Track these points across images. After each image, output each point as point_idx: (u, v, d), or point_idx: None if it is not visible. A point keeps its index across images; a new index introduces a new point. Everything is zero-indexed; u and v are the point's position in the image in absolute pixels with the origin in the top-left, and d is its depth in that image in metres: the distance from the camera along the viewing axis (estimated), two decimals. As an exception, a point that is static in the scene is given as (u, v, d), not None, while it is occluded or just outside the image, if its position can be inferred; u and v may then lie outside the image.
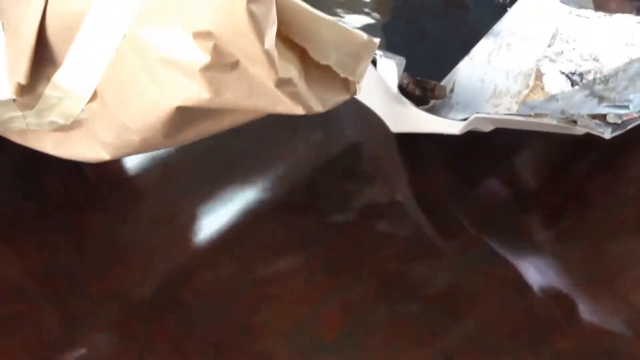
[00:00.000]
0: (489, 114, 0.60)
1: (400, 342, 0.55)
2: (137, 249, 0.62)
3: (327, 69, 0.50)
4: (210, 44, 0.48)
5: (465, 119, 0.58)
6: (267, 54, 0.47)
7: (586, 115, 0.56)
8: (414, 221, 0.62)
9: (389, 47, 0.71)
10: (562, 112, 0.58)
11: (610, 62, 0.58)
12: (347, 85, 0.52)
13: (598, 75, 0.58)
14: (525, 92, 0.61)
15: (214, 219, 0.64)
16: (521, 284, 0.58)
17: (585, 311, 0.56)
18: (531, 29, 0.62)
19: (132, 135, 0.55)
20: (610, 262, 0.59)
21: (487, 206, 0.62)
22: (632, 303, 0.57)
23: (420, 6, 0.77)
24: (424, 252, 0.60)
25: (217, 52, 0.48)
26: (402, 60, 0.62)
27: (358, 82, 0.52)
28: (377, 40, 0.51)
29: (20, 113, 0.59)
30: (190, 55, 0.49)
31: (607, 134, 0.55)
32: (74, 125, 0.58)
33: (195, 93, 0.50)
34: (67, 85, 0.56)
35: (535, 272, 0.57)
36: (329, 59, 0.50)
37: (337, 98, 0.52)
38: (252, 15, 0.45)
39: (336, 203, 0.64)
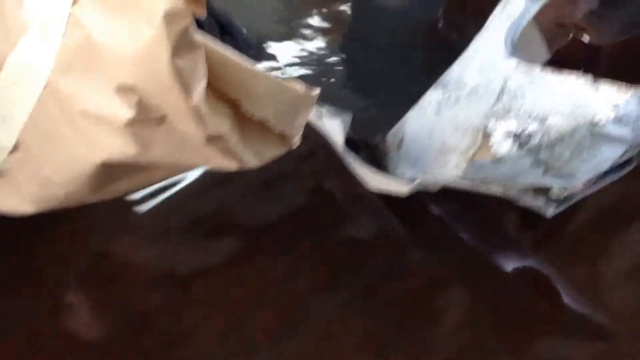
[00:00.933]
0: (435, 177, 0.59)
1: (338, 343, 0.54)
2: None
3: (262, 122, 0.47)
4: (134, 98, 0.44)
5: (413, 180, 0.58)
6: (195, 110, 0.44)
7: (530, 191, 0.56)
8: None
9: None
10: (505, 187, 0.57)
11: (557, 124, 0.56)
12: (284, 138, 0.49)
13: (545, 139, 0.56)
14: (473, 150, 0.58)
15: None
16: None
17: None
18: (479, 82, 0.61)
19: (57, 188, 0.51)
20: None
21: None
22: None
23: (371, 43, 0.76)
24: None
25: (142, 106, 0.45)
26: (348, 117, 0.61)
27: (295, 135, 0.49)
28: (315, 92, 0.48)
29: None
30: (113, 109, 0.45)
31: (550, 211, 0.56)
32: None
33: (121, 148, 0.47)
34: None
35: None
36: (263, 112, 0.47)
37: (273, 151, 0.49)
38: (177, 70, 0.42)
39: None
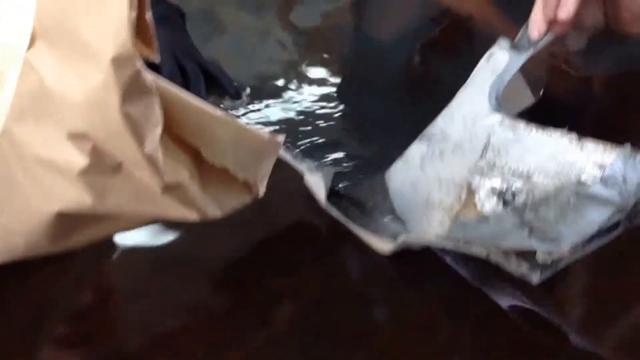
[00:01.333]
0: (419, 235, 0.58)
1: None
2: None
3: (224, 170, 0.45)
4: (87, 145, 0.42)
5: (395, 235, 0.56)
6: (149, 158, 0.41)
7: (514, 255, 0.54)
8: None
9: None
10: (489, 249, 0.55)
11: (541, 183, 0.55)
12: (248, 186, 0.46)
13: (530, 198, 0.54)
14: (458, 207, 0.57)
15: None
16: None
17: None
18: (463, 136, 0.59)
19: (15, 238, 0.49)
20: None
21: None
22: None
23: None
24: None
25: (96, 154, 0.42)
26: (330, 172, 0.60)
27: (260, 183, 0.46)
28: (280, 138, 0.45)
29: None
30: (66, 156, 0.43)
31: (536, 278, 0.53)
32: None
33: (76, 198, 0.45)
34: None
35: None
36: (225, 159, 0.44)
37: (237, 201, 0.46)
38: (127, 117, 0.40)
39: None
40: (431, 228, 0.58)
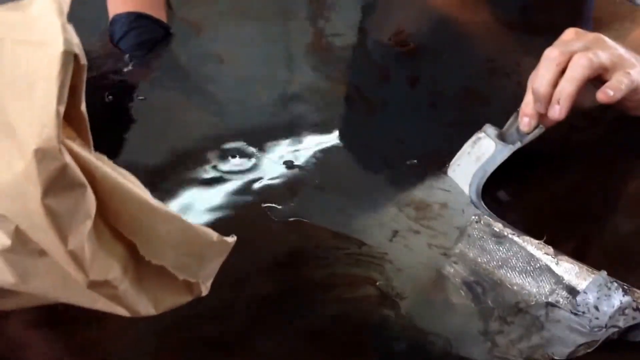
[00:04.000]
0: None
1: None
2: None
3: (162, 267, 0.40)
4: (10, 227, 0.37)
5: None
6: (72, 254, 0.36)
7: None
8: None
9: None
10: None
11: (512, 291, 0.52)
12: (190, 286, 0.41)
13: (499, 302, 0.51)
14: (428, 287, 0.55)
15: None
16: None
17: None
18: (442, 215, 0.58)
19: None
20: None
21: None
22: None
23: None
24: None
25: (19, 237, 0.38)
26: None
27: (203, 284, 0.41)
28: (231, 240, 0.40)
29: None
30: None
31: None
32: None
33: None
34: None
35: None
36: (163, 258, 0.39)
37: (175, 300, 0.42)
38: (49, 211, 0.35)
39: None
40: None
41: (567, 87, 0.59)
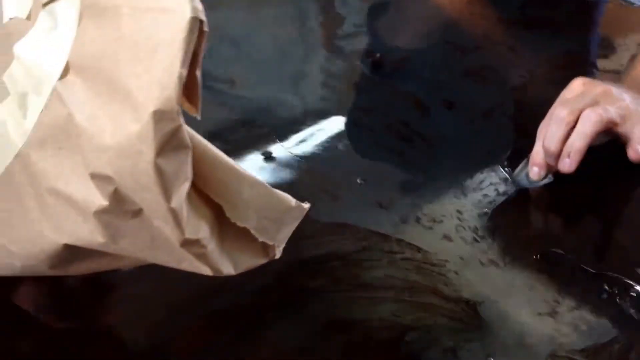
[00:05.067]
0: None
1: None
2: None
3: (245, 231, 0.43)
4: (110, 188, 0.40)
5: None
6: (173, 212, 0.40)
7: None
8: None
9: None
10: None
11: None
12: (266, 249, 0.45)
13: None
14: None
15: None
16: None
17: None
18: None
19: (13, 259, 0.47)
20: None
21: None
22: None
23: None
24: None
25: (117, 198, 0.41)
26: None
27: (278, 247, 0.45)
28: (307, 206, 0.44)
29: None
30: (85, 194, 0.41)
31: None
32: None
33: (88, 235, 0.43)
34: None
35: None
36: (247, 221, 0.43)
37: (252, 261, 0.45)
38: (159, 170, 0.38)
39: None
40: None
41: (578, 142, 0.63)
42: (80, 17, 0.40)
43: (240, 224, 0.43)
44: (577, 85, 0.67)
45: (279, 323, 0.54)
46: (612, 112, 0.64)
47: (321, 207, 0.63)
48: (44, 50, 0.41)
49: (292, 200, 0.43)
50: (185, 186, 0.40)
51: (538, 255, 0.61)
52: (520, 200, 0.66)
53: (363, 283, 0.57)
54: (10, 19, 0.44)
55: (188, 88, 0.38)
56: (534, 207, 0.67)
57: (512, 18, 0.90)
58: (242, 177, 0.42)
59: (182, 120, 0.37)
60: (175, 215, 0.40)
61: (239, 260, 0.44)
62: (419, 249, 0.60)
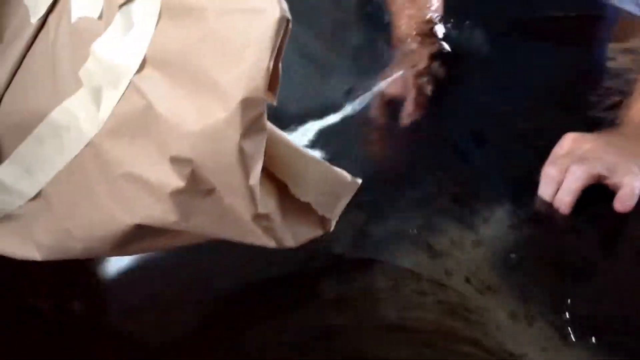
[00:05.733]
0: None
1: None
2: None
3: (305, 205, 0.48)
4: (187, 170, 0.45)
5: None
6: (251, 189, 0.44)
7: None
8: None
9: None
10: None
11: None
12: (323, 222, 0.50)
13: None
14: None
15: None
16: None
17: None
18: None
19: (75, 242, 0.51)
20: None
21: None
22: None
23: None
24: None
25: (194, 178, 0.45)
26: None
27: (334, 220, 0.50)
28: (359, 180, 0.49)
29: None
30: (162, 177, 0.45)
31: None
32: (3, 219, 0.54)
33: (160, 214, 0.47)
34: (9, 181, 0.52)
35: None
36: (309, 196, 0.48)
37: (310, 234, 0.50)
38: (242, 152, 0.43)
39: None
40: None
41: (565, 198, 0.67)
42: (159, 17, 0.44)
43: (302, 199, 0.47)
44: (567, 142, 0.70)
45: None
46: (598, 167, 0.67)
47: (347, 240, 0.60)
48: (121, 47, 0.45)
49: (348, 176, 0.48)
50: (260, 165, 0.44)
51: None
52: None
53: (391, 323, 0.55)
54: (80, 18, 0.48)
55: (270, 78, 0.42)
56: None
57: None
58: (304, 155, 0.47)
59: (265, 106, 0.42)
60: (251, 192, 0.44)
61: (298, 232, 0.49)
62: (455, 292, 0.56)
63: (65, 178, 0.50)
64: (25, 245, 0.53)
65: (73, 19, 0.48)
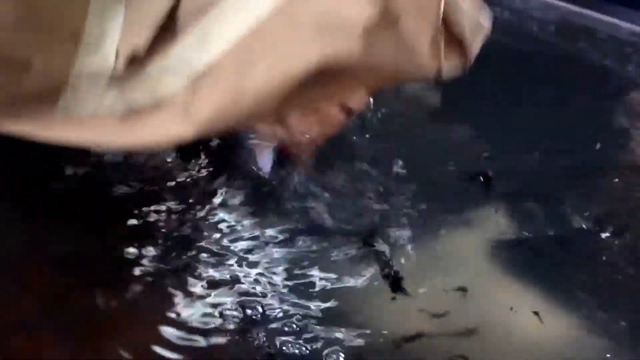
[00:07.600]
0: None
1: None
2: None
3: (457, 36, 0.59)
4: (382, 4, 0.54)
5: None
6: (438, 5, 0.55)
7: None
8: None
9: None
10: None
11: None
12: (465, 57, 0.61)
13: None
14: None
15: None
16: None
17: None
18: None
19: (248, 100, 0.54)
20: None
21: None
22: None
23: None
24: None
25: (384, 9, 0.54)
26: None
27: (473, 56, 0.61)
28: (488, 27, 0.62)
29: (101, 91, 0.56)
30: (354, 9, 0.54)
31: None
32: (153, 106, 0.56)
33: (347, 48, 0.54)
34: (181, 58, 0.55)
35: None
36: (463, 25, 0.59)
37: (457, 64, 0.60)
38: None
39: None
40: None
41: None
42: None
43: (457, 28, 0.58)
44: None
45: None
46: None
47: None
48: None
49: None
50: None
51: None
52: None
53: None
54: None
55: None
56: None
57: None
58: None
59: None
60: (437, 9, 0.55)
61: (449, 61, 0.59)
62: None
63: (245, 44, 0.54)
64: (178, 126, 0.55)
65: None
